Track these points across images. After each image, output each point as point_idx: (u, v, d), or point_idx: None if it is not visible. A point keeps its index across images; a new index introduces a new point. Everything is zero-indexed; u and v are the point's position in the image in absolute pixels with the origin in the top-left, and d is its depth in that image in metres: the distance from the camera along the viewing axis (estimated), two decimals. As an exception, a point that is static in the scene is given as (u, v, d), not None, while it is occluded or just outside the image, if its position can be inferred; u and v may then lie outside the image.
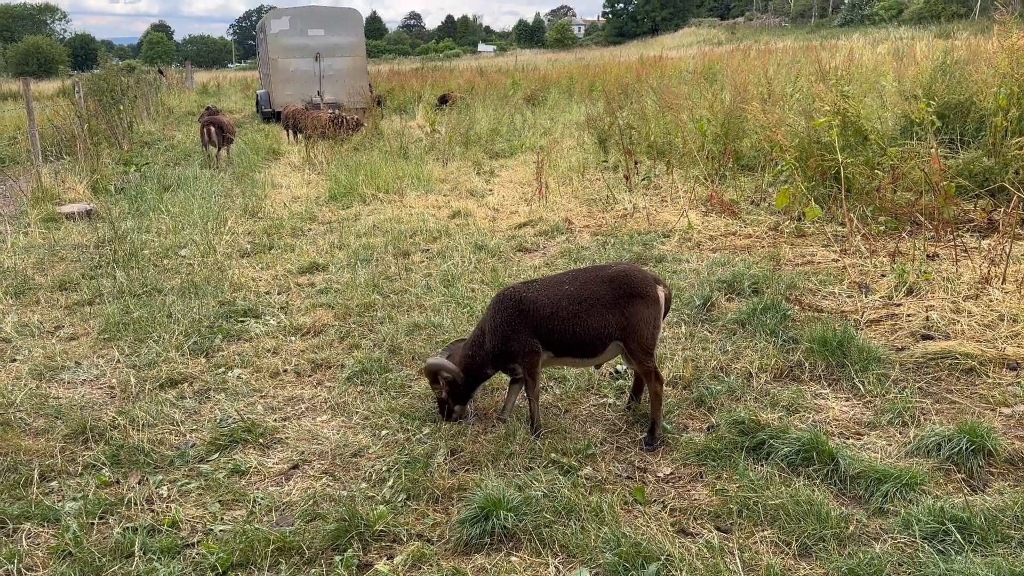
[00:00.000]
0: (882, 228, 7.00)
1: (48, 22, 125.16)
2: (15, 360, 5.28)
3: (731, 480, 3.53)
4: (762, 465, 3.63)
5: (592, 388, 4.61)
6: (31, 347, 5.48)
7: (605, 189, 9.72)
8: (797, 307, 5.38)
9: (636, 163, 10.35)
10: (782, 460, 3.62)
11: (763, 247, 7.04)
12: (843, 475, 3.47)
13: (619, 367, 4.77)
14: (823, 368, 4.54)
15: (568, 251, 7.41)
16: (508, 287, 4.15)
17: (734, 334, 5.14)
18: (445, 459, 3.85)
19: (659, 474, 3.70)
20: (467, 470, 3.76)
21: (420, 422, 4.25)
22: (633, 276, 3.95)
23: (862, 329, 5.03)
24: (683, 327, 5.31)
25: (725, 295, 5.79)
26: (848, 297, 5.60)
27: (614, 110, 12.92)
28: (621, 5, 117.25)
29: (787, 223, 7.60)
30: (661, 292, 3.97)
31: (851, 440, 3.85)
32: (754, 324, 5.15)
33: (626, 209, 8.85)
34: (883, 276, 5.88)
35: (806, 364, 4.60)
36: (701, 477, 3.64)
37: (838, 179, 7.08)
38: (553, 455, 3.79)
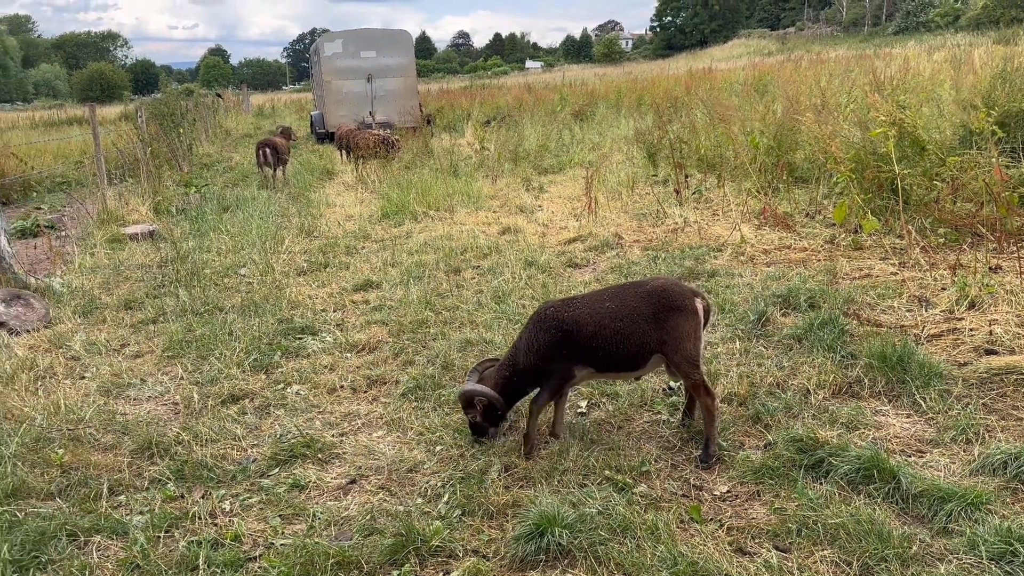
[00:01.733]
0: (942, 240, 6.84)
1: (111, 49, 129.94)
2: (84, 377, 5.48)
3: (789, 499, 3.49)
4: (821, 483, 3.58)
5: (645, 404, 4.59)
6: (99, 364, 5.68)
7: (655, 203, 9.68)
8: (855, 322, 5.29)
9: (687, 176, 10.30)
10: (842, 478, 3.56)
11: (819, 260, 6.94)
12: (905, 494, 3.40)
13: (672, 384, 4.75)
14: (883, 384, 4.45)
15: (618, 266, 7.41)
16: (548, 305, 4.14)
17: (790, 350, 5.07)
18: (499, 475, 3.88)
19: (715, 492, 3.67)
20: (521, 486, 3.78)
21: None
22: (671, 290, 3.96)
23: (923, 344, 4.92)
24: (738, 343, 5.26)
25: (780, 310, 5.71)
26: (908, 311, 5.48)
27: (663, 123, 12.87)
28: (669, 18, 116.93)
29: (843, 236, 7.48)
30: (699, 304, 3.96)
31: (913, 458, 3.77)
32: (811, 339, 5.07)
33: (677, 223, 8.81)
34: (944, 289, 5.75)
35: (865, 380, 4.51)
36: (759, 495, 3.60)
37: (895, 190, 6.95)
38: (607, 472, 3.79)
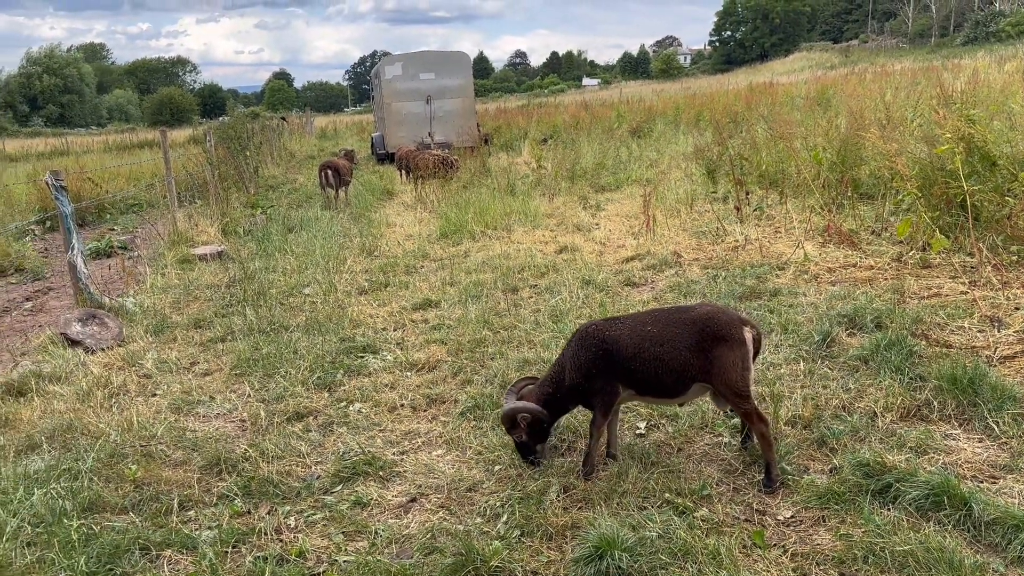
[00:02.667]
0: (1015, 258, 6.60)
1: (180, 74, 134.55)
2: (155, 394, 5.67)
3: (856, 524, 3.41)
4: (889, 509, 3.48)
5: (706, 426, 4.54)
6: (170, 382, 5.87)
7: (715, 221, 9.58)
8: (924, 342, 5.14)
9: (747, 193, 10.17)
10: (910, 504, 3.46)
11: (886, 279, 6.77)
12: (977, 521, 3.29)
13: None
14: (953, 407, 4.32)
15: (677, 285, 7.35)
16: (591, 324, 4.15)
17: (856, 371, 4.96)
18: (558, 496, 3.88)
19: (779, 517, 3.60)
20: (580, 508, 3.78)
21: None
22: (717, 318, 3.87)
23: (995, 365, 4.76)
24: (802, 364, 5.17)
25: (846, 330, 5.59)
26: (979, 332, 5.31)
27: (723, 139, 12.76)
28: (728, 32, 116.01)
29: (911, 254, 7.28)
30: (748, 333, 3.85)
31: (985, 484, 3.64)
32: (878, 361, 4.95)
33: (737, 241, 8.70)
34: (1017, 309, 5.55)
35: (935, 403, 4.38)
36: (824, 521, 3.52)
37: (965, 207, 6.75)
38: (667, 495, 3.76)
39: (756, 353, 3.96)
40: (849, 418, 4.35)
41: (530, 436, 4.17)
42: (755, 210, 9.90)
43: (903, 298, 6.16)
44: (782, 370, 5.14)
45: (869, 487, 3.62)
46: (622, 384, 3.98)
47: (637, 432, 4.57)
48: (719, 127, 14.85)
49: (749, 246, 8.42)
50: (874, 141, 8.32)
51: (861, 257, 7.50)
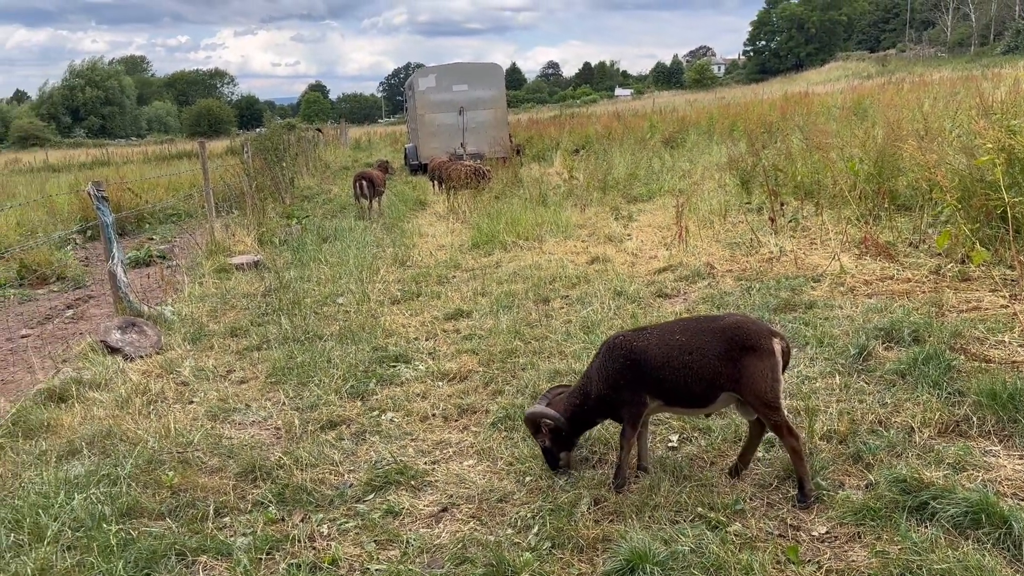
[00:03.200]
0: (1059, 270, 6.47)
1: (218, 86, 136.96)
2: (192, 402, 5.76)
3: (892, 541, 3.35)
4: (926, 527, 3.42)
5: (739, 440, 4.50)
6: (206, 389, 5.96)
7: (749, 232, 9.50)
8: (963, 357, 5.05)
9: (782, 204, 10.07)
10: (948, 522, 3.39)
11: (924, 292, 6.67)
12: (1017, 539, 3.21)
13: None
14: (993, 423, 4.23)
15: (710, 297, 7.30)
16: (619, 334, 4.16)
17: (893, 385, 4.88)
18: (589, 508, 3.87)
19: (813, 533, 3.56)
20: (611, 521, 3.76)
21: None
22: (746, 328, 3.85)
23: (1038, 381, 4.65)
24: (837, 378, 5.10)
25: (883, 344, 5.51)
26: (1020, 346, 5.19)
27: (757, 150, 12.67)
28: (763, 42, 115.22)
29: (950, 266, 7.16)
30: (777, 345, 3.81)
31: (1028, 503, 3.56)
32: (915, 375, 4.87)
33: (772, 252, 8.62)
34: (1062, 323, 5.43)
35: (974, 419, 4.30)
36: (859, 537, 3.47)
37: (1005, 219, 6.62)
38: (700, 509, 3.73)
39: (785, 365, 3.93)
40: (886, 433, 4.29)
41: (553, 443, 4.20)
42: (790, 221, 9.81)
43: (941, 311, 6.06)
44: (817, 384, 5.08)
45: (906, 503, 3.56)
46: (650, 395, 3.97)
47: (669, 445, 4.55)
48: (753, 137, 14.74)
49: (784, 258, 8.34)
50: (912, 152, 8.21)
51: (898, 269, 7.39)
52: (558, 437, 4.19)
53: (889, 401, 4.66)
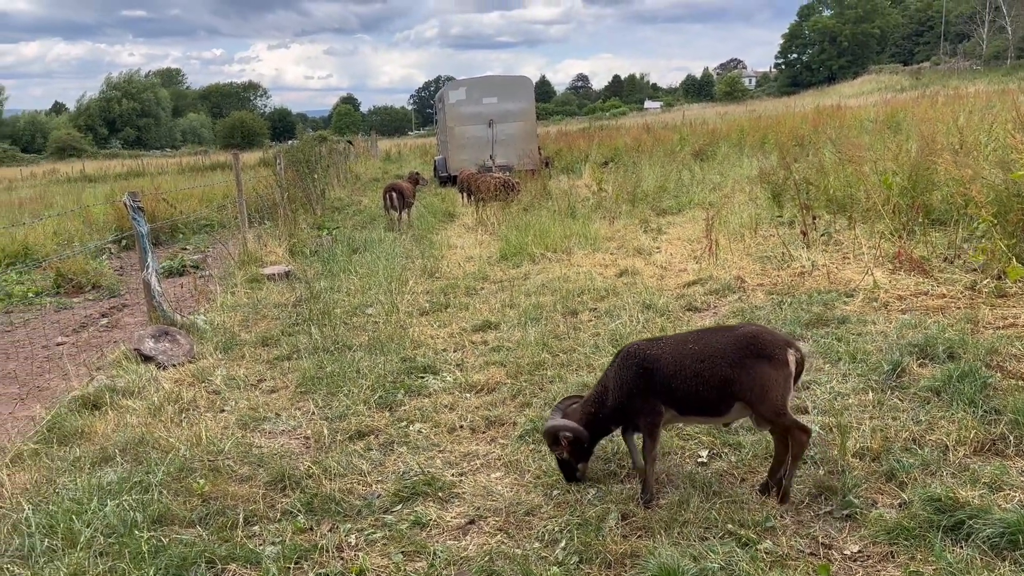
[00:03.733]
0: (1100, 287, 6.33)
1: (252, 98, 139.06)
2: (223, 410, 5.82)
3: (926, 562, 3.29)
4: (961, 547, 3.35)
5: (770, 456, 4.44)
6: (237, 398, 6.02)
7: (780, 245, 9.41)
8: (999, 374, 4.94)
9: (814, 218, 9.97)
10: (984, 542, 3.32)
11: (959, 308, 6.55)
12: (1060, 564, 3.14)
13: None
14: (1033, 443, 4.14)
15: (740, 310, 7.24)
16: (633, 343, 4.17)
17: (927, 403, 4.80)
18: (617, 523, 3.84)
19: (845, 552, 3.50)
20: (639, 536, 3.73)
21: (589, 483, 4.28)
22: (760, 337, 3.85)
23: (1079, 400, 4.54)
24: (870, 394, 5.03)
25: (917, 360, 5.42)
26: (1061, 364, 5.09)
27: (789, 163, 12.56)
28: (795, 55, 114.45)
29: (985, 282, 7.03)
30: (791, 355, 3.81)
31: (1069, 525, 3.47)
32: (950, 392, 4.79)
33: (803, 267, 8.53)
34: (1103, 341, 5.30)
35: (1011, 437, 4.21)
36: (892, 557, 3.41)
37: (1045, 234, 6.50)
38: (730, 526, 3.69)
39: (798, 376, 3.93)
40: (920, 451, 4.22)
41: (572, 454, 4.20)
42: (822, 235, 9.70)
43: (977, 328, 5.95)
44: (850, 400, 5.01)
45: (940, 523, 3.49)
46: (664, 403, 3.96)
47: (699, 460, 4.50)
48: (785, 150, 14.63)
49: (816, 272, 8.25)
50: (947, 166, 8.10)
51: (933, 285, 7.27)
52: (577, 448, 4.20)
53: (923, 418, 4.59)
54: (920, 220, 8.92)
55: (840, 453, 4.24)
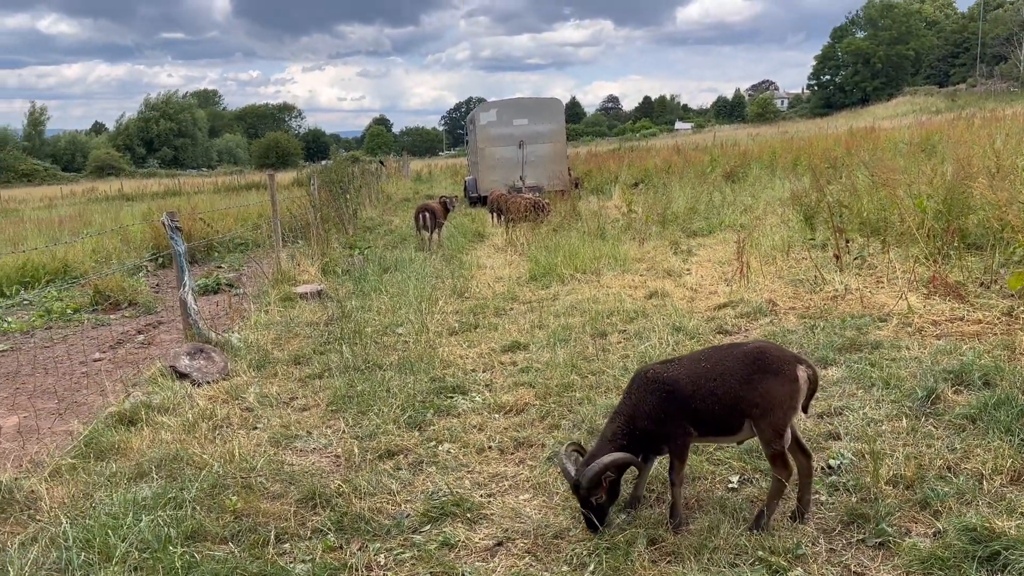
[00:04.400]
0: None
1: (286, 119, 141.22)
2: (256, 428, 5.90)
3: (963, 594, 3.23)
4: (999, 580, 3.29)
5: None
6: (270, 416, 6.09)
7: (812, 269, 9.33)
8: (1038, 402, 4.86)
9: (847, 241, 9.88)
10: (1020, 573, 3.26)
11: (995, 334, 6.45)
12: (1101, 599, 3.07)
13: (832, 462, 4.53)
14: (1072, 473, 4.06)
15: (772, 334, 7.18)
16: (647, 368, 4.13)
17: (963, 430, 4.73)
18: (646, 548, 3.82)
19: (878, 581, 3.45)
20: (669, 562, 3.72)
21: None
22: (769, 353, 3.87)
23: (1121, 430, 4.45)
24: (904, 421, 4.96)
25: (951, 387, 5.34)
26: (1102, 393, 4.98)
27: (821, 185, 12.47)
28: (827, 76, 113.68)
29: (1023, 308, 6.92)
30: (802, 372, 3.81)
31: (1111, 559, 3.40)
32: (986, 420, 4.71)
33: (836, 290, 8.45)
34: None
35: (1051, 468, 4.13)
36: (927, 588, 3.36)
37: (1084, 260, 6.39)
38: (760, 553, 3.65)
39: (811, 394, 3.91)
40: (955, 479, 4.15)
41: (609, 496, 3.98)
42: (855, 259, 9.61)
43: (1014, 354, 5.85)
44: (883, 426, 4.95)
45: (976, 553, 3.43)
46: (688, 423, 3.94)
47: (729, 486, 4.47)
48: (817, 172, 14.53)
49: (849, 296, 8.17)
50: (983, 190, 8.01)
51: (968, 310, 7.17)
52: (614, 487, 4.00)
53: (958, 446, 4.52)
54: (955, 244, 8.80)
55: (873, 480, 4.19)
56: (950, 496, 3.98)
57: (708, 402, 3.86)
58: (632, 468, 4.08)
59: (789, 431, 3.83)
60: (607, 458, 3.86)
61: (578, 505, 4.10)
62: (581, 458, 4.14)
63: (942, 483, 4.14)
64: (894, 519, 3.89)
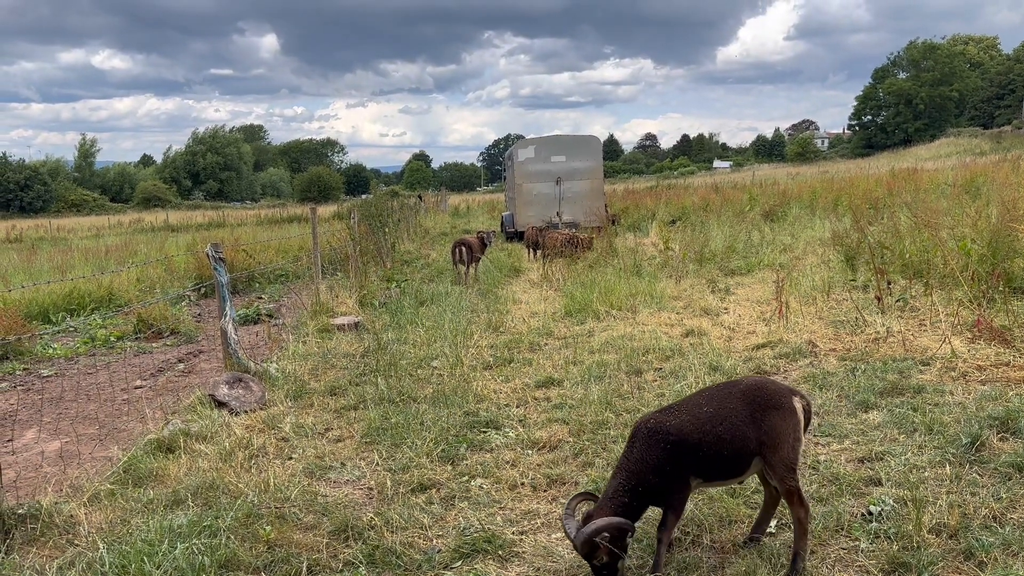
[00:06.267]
0: None
1: (329, 154, 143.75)
2: (291, 458, 5.94)
3: (1010, 650, 3.12)
4: (1049, 637, 3.17)
5: (841, 529, 4.30)
6: (305, 447, 6.13)
7: (854, 310, 9.19)
8: (1089, 452, 4.71)
9: (889, 283, 9.73)
10: (1075, 633, 3.14)
11: (1043, 380, 6.28)
12: None
13: (872, 508, 4.42)
14: (1126, 527, 3.92)
15: (812, 376, 7.08)
16: (649, 419, 4.00)
17: (1009, 479, 4.59)
18: (680, 591, 3.76)
19: (921, 633, 3.35)
20: (703, 605, 3.64)
21: (652, 550, 4.19)
22: (767, 387, 3.88)
23: None
24: (948, 468, 4.84)
25: (997, 434, 5.20)
26: None
27: (863, 226, 12.33)
28: (869, 117, 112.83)
29: (1073, 354, 6.74)
30: (799, 403, 3.82)
31: None
32: (1034, 469, 4.58)
33: (878, 332, 8.30)
34: None
35: (1103, 521, 3.99)
36: (972, 642, 3.24)
37: None
38: (797, 599, 3.57)
39: (806, 425, 3.90)
40: (1000, 530, 4.03)
41: (612, 556, 3.75)
42: (897, 301, 9.45)
43: (1064, 402, 5.69)
44: (926, 473, 4.83)
45: (1025, 609, 3.32)
46: (693, 474, 3.88)
47: (768, 531, 4.38)
48: (859, 213, 14.38)
49: (891, 339, 8.03)
50: (1029, 233, 7.85)
51: (1014, 356, 6.99)
52: (619, 545, 3.79)
53: (1004, 495, 4.39)
54: (1000, 288, 8.62)
55: (915, 528, 4.08)
56: (995, 547, 3.86)
57: (717, 448, 3.80)
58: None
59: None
60: (598, 523, 3.69)
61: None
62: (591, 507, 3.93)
63: (987, 533, 4.02)
64: (937, 569, 3.78)
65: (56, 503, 4.96)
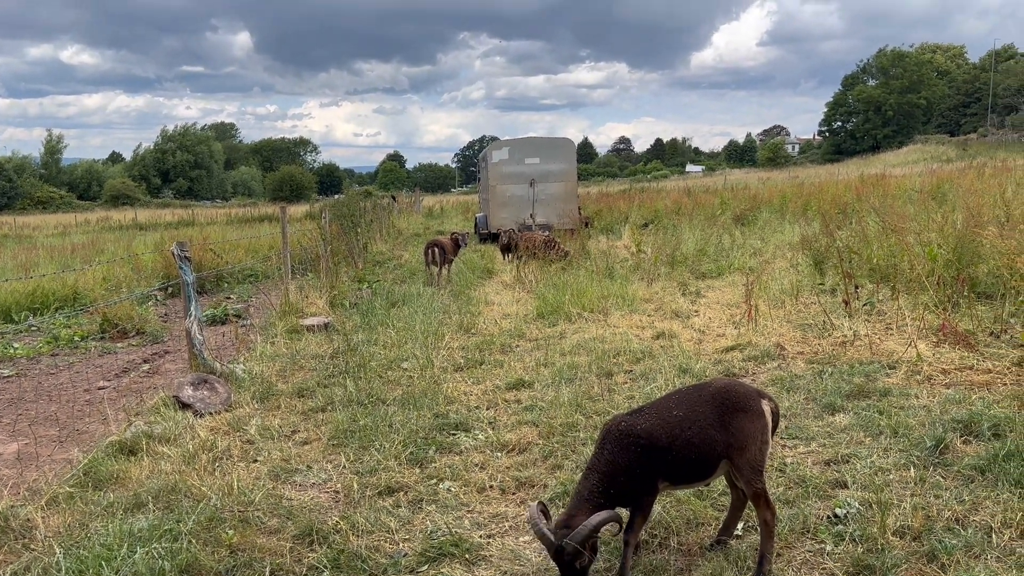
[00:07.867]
0: None
1: (301, 153, 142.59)
2: (256, 461, 5.85)
3: (971, 652, 3.14)
4: (1009, 638, 3.20)
5: (808, 532, 4.32)
6: (271, 449, 6.05)
7: (822, 314, 9.28)
8: (1049, 455, 4.78)
9: (857, 287, 9.83)
10: (1035, 635, 3.17)
11: (1005, 384, 6.38)
12: (1115, 662, 2.98)
13: (838, 510, 4.45)
14: (1084, 529, 3.97)
15: (780, 379, 7.13)
16: (619, 420, 3.97)
17: (972, 482, 4.65)
18: (647, 594, 3.75)
19: (884, 636, 3.36)
20: (670, 608, 3.63)
21: (619, 553, 4.18)
22: (735, 390, 3.90)
23: None
24: (912, 470, 4.88)
25: (960, 437, 5.27)
26: (1114, 447, 4.90)
27: (832, 230, 12.46)
28: (839, 123, 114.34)
29: (1034, 358, 6.84)
30: (767, 406, 3.85)
31: (1124, 620, 3.31)
32: (995, 472, 4.64)
33: (845, 336, 8.39)
34: None
35: (1062, 523, 4.05)
36: (934, 645, 3.27)
37: (1096, 311, 6.33)
38: (763, 602, 3.57)
39: (774, 428, 3.93)
40: (963, 532, 4.07)
41: (591, 559, 3.73)
42: (865, 305, 9.55)
43: (1026, 406, 5.77)
44: (891, 476, 4.87)
45: (986, 611, 3.35)
46: (661, 477, 3.86)
47: (735, 534, 4.39)
48: (828, 218, 14.53)
49: (858, 342, 8.11)
50: (993, 239, 7.98)
51: (978, 359, 7.10)
52: (596, 547, 3.76)
53: (967, 498, 4.44)
54: (965, 293, 8.75)
55: (880, 531, 4.11)
56: (958, 549, 3.90)
57: (686, 451, 3.80)
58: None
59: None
60: (595, 519, 3.61)
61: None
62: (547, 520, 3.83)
63: (950, 535, 4.06)
64: (901, 571, 3.81)
65: (12, 507, 4.84)
